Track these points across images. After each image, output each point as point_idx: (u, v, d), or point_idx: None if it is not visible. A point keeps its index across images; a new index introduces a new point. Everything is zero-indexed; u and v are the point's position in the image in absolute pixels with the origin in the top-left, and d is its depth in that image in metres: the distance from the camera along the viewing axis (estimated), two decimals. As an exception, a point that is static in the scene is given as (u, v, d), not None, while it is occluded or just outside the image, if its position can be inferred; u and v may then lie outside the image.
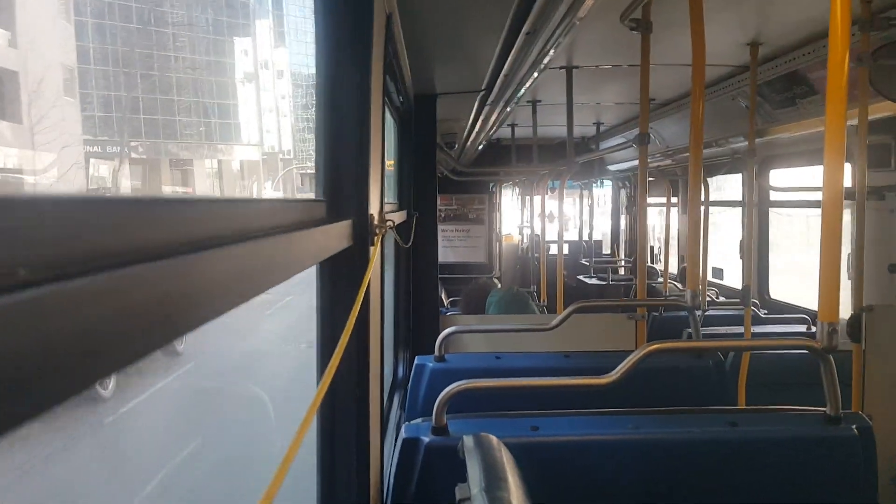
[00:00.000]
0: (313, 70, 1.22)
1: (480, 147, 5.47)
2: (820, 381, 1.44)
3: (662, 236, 5.72)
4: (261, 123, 46.76)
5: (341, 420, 1.18)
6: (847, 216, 2.44)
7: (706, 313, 3.64)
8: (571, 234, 7.65)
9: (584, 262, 6.64)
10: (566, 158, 3.56)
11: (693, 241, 2.00)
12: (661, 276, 5.18)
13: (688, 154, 2.03)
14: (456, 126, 4.46)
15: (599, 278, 6.49)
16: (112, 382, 8.32)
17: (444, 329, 2.26)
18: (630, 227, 7.30)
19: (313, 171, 1.21)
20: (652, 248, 7.31)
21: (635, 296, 3.67)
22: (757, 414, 1.59)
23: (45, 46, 25.45)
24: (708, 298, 4.00)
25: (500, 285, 5.48)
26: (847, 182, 2.28)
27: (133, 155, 36.82)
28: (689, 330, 2.34)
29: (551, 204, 5.51)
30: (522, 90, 2.78)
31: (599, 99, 3.96)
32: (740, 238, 4.13)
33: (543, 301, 4.76)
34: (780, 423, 1.49)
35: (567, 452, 1.42)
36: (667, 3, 2.00)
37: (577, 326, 2.62)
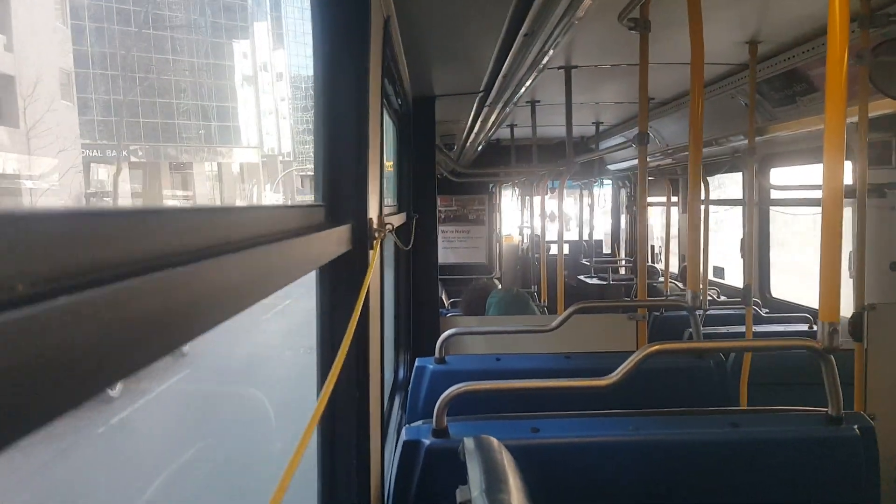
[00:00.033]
0: (312, 72, 1.21)
1: (480, 148, 5.47)
2: (822, 380, 1.44)
3: (663, 235, 5.71)
4: (260, 126, 46.80)
5: (342, 423, 1.18)
6: (848, 214, 2.44)
7: (708, 312, 3.64)
8: (572, 234, 7.65)
9: (584, 261, 6.64)
10: (566, 158, 3.56)
11: (693, 240, 1.99)
12: (662, 275, 5.18)
13: (688, 153, 2.02)
14: (455, 127, 4.46)
15: (600, 278, 6.49)
16: (119, 383, 8.36)
17: (444, 331, 2.26)
18: (630, 226, 7.30)
19: (312, 174, 1.21)
20: (653, 247, 7.31)
21: (636, 295, 3.66)
22: (758, 414, 1.59)
23: (41, 50, 25.42)
24: (709, 298, 4.00)
25: (500, 286, 5.48)
26: (848, 180, 2.28)
27: (133, 159, 36.81)
28: (691, 330, 2.34)
29: (551, 204, 5.51)
30: (521, 91, 2.77)
31: (598, 98, 3.96)
32: (741, 237, 4.13)
33: (544, 301, 4.75)
34: (782, 423, 1.49)
35: (568, 454, 1.42)
36: (665, 2, 2.00)
37: (578, 327, 2.62)
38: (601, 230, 8.24)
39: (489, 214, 7.65)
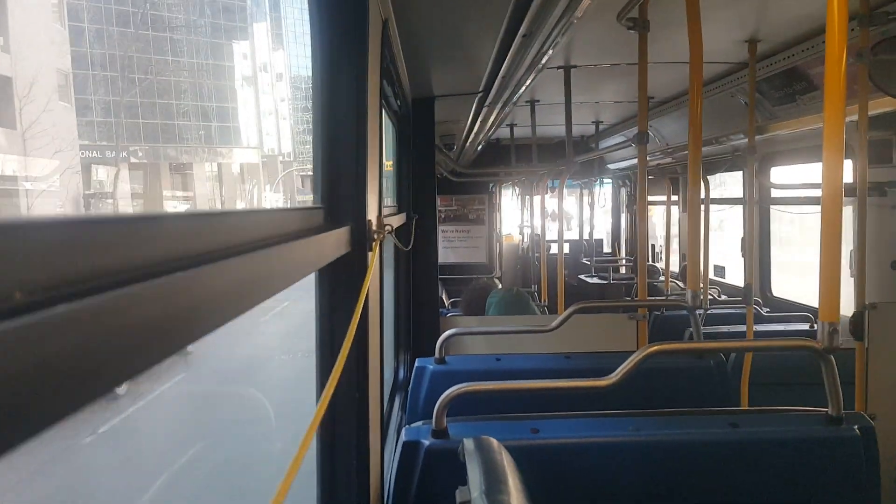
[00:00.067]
0: (311, 75, 1.21)
1: (479, 148, 5.47)
2: (823, 380, 1.44)
3: (663, 234, 5.71)
4: (260, 126, 46.80)
5: (341, 424, 1.18)
6: (849, 213, 2.44)
7: (709, 311, 3.64)
8: (572, 234, 7.65)
9: (585, 261, 6.63)
10: (565, 158, 3.56)
11: (693, 239, 1.99)
12: (663, 274, 5.17)
13: (687, 152, 2.02)
14: (454, 127, 4.45)
15: (601, 277, 6.48)
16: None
17: (444, 331, 2.26)
18: (631, 225, 7.30)
19: (312, 175, 1.21)
20: (653, 246, 7.30)
21: (636, 295, 3.66)
22: (758, 415, 1.58)
23: (39, 51, 25.33)
24: (710, 297, 4.00)
25: (500, 285, 5.48)
26: (848, 178, 2.28)
27: (132, 160, 36.77)
28: (691, 329, 2.34)
29: (552, 203, 5.51)
30: (521, 91, 2.77)
31: (598, 98, 3.96)
32: (741, 236, 4.13)
33: (544, 301, 4.75)
34: (782, 423, 1.49)
35: (568, 455, 1.42)
36: (664, 1, 2.00)
37: (578, 327, 2.62)
38: (602, 229, 8.24)
39: (489, 214, 7.65)
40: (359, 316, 1.04)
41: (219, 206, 39.77)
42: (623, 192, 7.61)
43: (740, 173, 4.49)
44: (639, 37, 2.12)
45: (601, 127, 5.06)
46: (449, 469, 1.24)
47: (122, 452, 7.83)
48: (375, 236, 1.25)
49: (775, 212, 4.35)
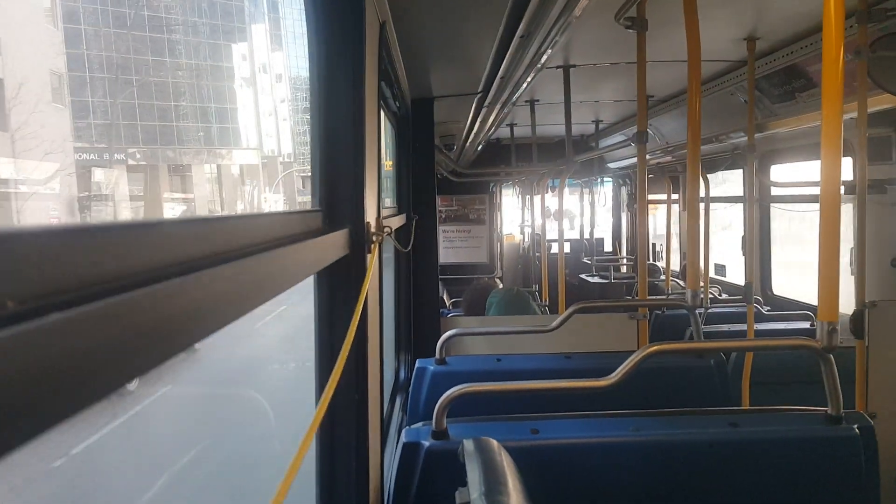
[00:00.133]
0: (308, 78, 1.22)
1: (479, 148, 5.47)
2: (823, 378, 1.43)
3: (664, 233, 5.71)
4: (259, 127, 46.80)
5: (341, 425, 1.18)
6: (849, 211, 2.44)
7: (710, 310, 3.64)
8: (573, 233, 7.64)
9: (585, 260, 6.63)
10: (565, 157, 3.56)
11: (692, 238, 1.98)
12: (664, 273, 5.17)
13: (687, 150, 2.02)
14: (454, 128, 4.45)
15: (601, 276, 6.48)
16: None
17: (445, 331, 2.26)
18: (631, 224, 7.29)
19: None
20: (654, 245, 7.30)
21: (637, 294, 3.66)
22: (758, 414, 1.58)
23: (32, 52, 25.17)
24: (711, 296, 4.00)
25: (501, 285, 5.48)
26: (848, 176, 2.28)
27: (130, 161, 36.70)
28: (692, 329, 2.34)
29: (553, 203, 5.51)
30: (520, 91, 2.77)
31: (597, 97, 3.96)
32: (742, 234, 4.12)
33: (545, 300, 4.75)
34: (781, 423, 1.49)
35: (568, 455, 1.42)
36: (662, 0, 2.00)
37: (579, 326, 2.62)
38: (603, 228, 8.24)
39: (490, 214, 7.66)
40: (358, 318, 1.04)
41: (218, 208, 39.81)
42: (623, 191, 7.61)
43: (741, 172, 4.49)
44: (637, 36, 2.12)
45: (601, 126, 5.06)
46: (449, 470, 1.24)
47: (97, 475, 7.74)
48: (374, 238, 1.26)
49: (784, 210, 4.35)
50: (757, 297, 3.73)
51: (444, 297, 6.13)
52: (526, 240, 7.76)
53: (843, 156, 1.47)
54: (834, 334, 1.32)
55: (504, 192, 8.33)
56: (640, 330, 2.89)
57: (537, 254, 6.15)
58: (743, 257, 3.93)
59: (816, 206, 1.34)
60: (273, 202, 41.44)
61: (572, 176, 4.48)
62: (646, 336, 2.87)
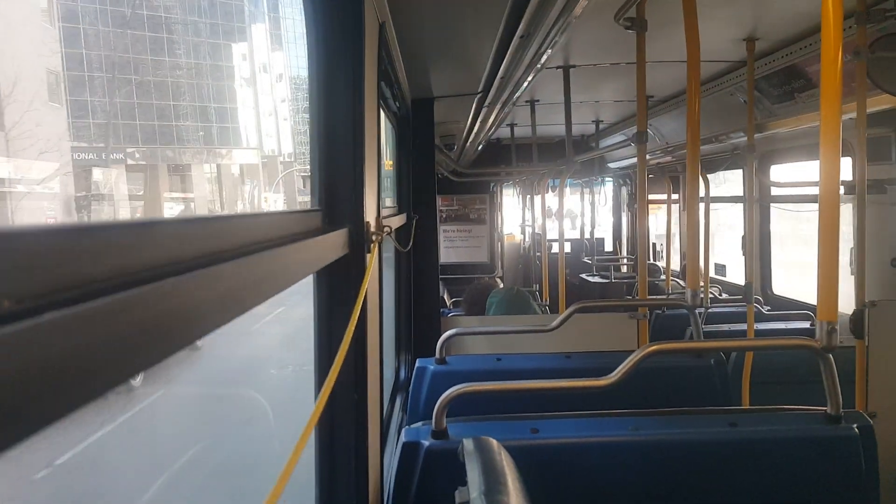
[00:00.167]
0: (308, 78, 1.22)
1: (480, 147, 5.47)
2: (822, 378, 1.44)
3: (665, 233, 5.71)
4: (260, 127, 46.78)
5: (340, 425, 1.18)
6: (849, 211, 2.44)
7: (710, 310, 3.64)
8: (574, 233, 7.65)
9: (586, 260, 6.63)
10: (566, 157, 3.56)
11: (692, 239, 1.98)
12: (664, 273, 5.17)
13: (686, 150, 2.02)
14: (454, 128, 4.46)
15: (602, 276, 6.48)
16: (140, 374, 8.57)
17: (445, 331, 2.26)
18: (631, 224, 7.29)
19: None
20: (654, 245, 7.30)
21: (637, 294, 3.66)
22: (757, 414, 1.58)
23: (24, 50, 25.05)
24: (711, 296, 4.00)
25: (502, 285, 5.48)
26: (847, 176, 2.28)
27: (129, 161, 36.64)
28: (692, 328, 2.34)
29: (553, 202, 5.51)
30: (520, 91, 2.78)
31: (597, 97, 3.96)
32: (742, 234, 4.12)
33: (545, 300, 4.75)
34: (780, 422, 1.49)
35: (567, 455, 1.42)
36: (661, 1, 2.00)
37: (579, 326, 2.62)
38: (603, 228, 8.24)
39: (490, 213, 7.66)
40: (356, 317, 1.04)
41: (218, 208, 39.79)
42: (624, 191, 7.61)
43: (742, 171, 4.49)
44: (637, 36, 2.12)
45: (601, 126, 5.06)
46: (449, 470, 1.24)
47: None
48: (374, 238, 1.26)
49: (788, 210, 4.35)
50: (757, 297, 3.73)
51: (445, 296, 6.13)
52: (526, 239, 7.76)
53: (843, 156, 1.47)
54: (833, 334, 1.32)
55: (504, 191, 8.34)
56: (641, 330, 2.89)
57: (538, 253, 6.15)
58: (743, 257, 3.93)
59: (816, 206, 1.35)
60: (273, 202, 41.42)
61: (572, 176, 4.48)
62: (646, 336, 2.88)
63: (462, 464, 1.07)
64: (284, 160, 48.34)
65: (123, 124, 36.63)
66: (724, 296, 4.54)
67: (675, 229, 5.62)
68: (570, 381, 1.56)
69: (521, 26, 1.88)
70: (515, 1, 1.73)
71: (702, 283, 2.73)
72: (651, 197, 5.77)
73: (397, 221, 2.39)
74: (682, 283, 5.20)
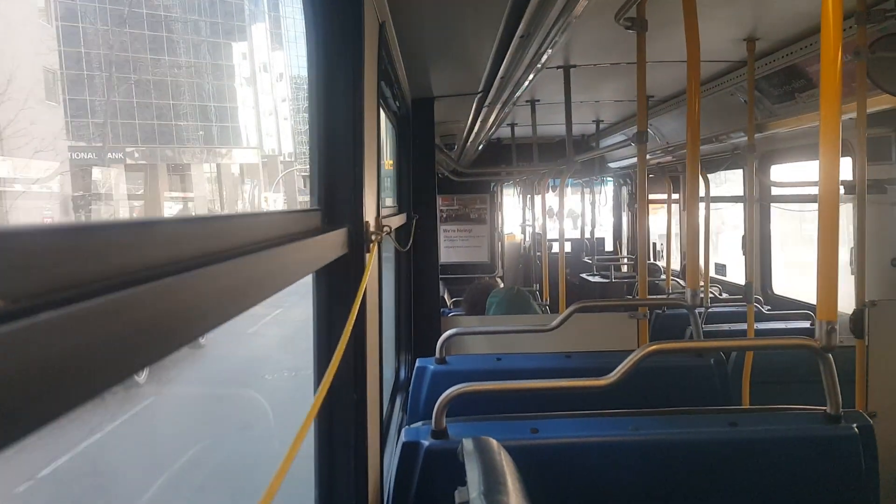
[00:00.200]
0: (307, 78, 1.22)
1: (480, 147, 5.47)
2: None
3: (665, 233, 5.71)
4: (260, 126, 46.76)
5: (339, 425, 1.18)
6: (849, 210, 2.44)
7: (710, 310, 3.64)
8: (575, 233, 7.65)
9: (586, 259, 6.64)
10: (566, 157, 3.56)
11: (692, 239, 1.98)
12: (665, 273, 5.18)
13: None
14: (455, 127, 4.46)
15: (602, 276, 6.48)
16: (145, 371, 8.65)
17: (445, 331, 2.26)
18: (632, 224, 7.29)
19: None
20: (654, 244, 7.30)
21: (638, 294, 3.66)
22: (756, 414, 1.58)
23: (20, 48, 24.91)
24: (711, 295, 4.00)
25: (502, 285, 5.48)
26: (848, 176, 2.28)
27: (129, 161, 36.55)
28: (692, 328, 2.34)
29: (554, 202, 5.52)
30: (520, 91, 2.78)
31: (598, 97, 3.96)
32: (742, 234, 4.12)
33: (546, 300, 4.75)
34: (780, 422, 1.49)
35: (567, 454, 1.42)
36: (661, 1, 2.00)
37: (579, 326, 2.62)
38: (604, 228, 8.24)
39: (491, 213, 7.66)
40: (356, 316, 1.04)
41: (218, 208, 39.77)
42: (624, 190, 7.61)
43: (742, 171, 4.49)
44: (637, 36, 2.12)
45: (602, 126, 5.06)
46: (448, 470, 1.24)
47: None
48: (373, 237, 1.26)
49: (790, 210, 4.35)
50: (757, 297, 3.73)
51: (446, 296, 6.13)
52: (527, 239, 7.76)
53: (843, 156, 1.47)
54: (833, 333, 1.32)
55: (505, 191, 8.34)
56: (641, 329, 2.89)
57: (538, 253, 6.15)
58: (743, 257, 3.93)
59: (814, 205, 1.35)
60: (273, 201, 41.42)
61: (573, 176, 4.48)
62: (646, 335, 2.88)
63: (462, 464, 1.07)
64: (285, 160, 48.32)
65: (122, 123, 36.52)
66: (725, 295, 4.54)
67: (675, 229, 5.62)
68: (570, 380, 1.56)
69: (521, 26, 1.88)
70: (515, 1, 1.73)
71: (702, 283, 2.73)
72: (651, 197, 5.77)
73: (397, 221, 2.39)
74: (682, 282, 5.20)
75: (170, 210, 36.54)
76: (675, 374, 2.05)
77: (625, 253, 7.53)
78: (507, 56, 2.25)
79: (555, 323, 2.27)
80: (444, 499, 1.12)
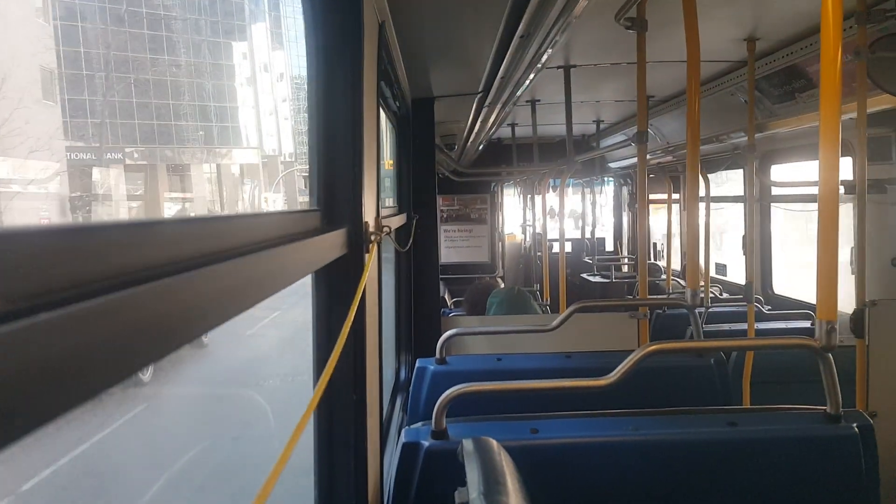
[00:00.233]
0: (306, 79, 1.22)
1: (480, 147, 5.48)
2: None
3: (665, 233, 5.71)
4: (260, 126, 46.74)
5: (339, 426, 1.18)
6: (850, 210, 2.44)
7: (711, 310, 3.64)
8: (575, 232, 7.65)
9: (587, 259, 6.64)
10: (566, 157, 3.56)
11: (692, 238, 1.98)
12: (665, 272, 5.17)
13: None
14: (455, 127, 4.46)
15: (603, 276, 6.48)
16: (150, 369, 8.83)
17: (445, 331, 2.26)
18: (632, 224, 7.29)
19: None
20: (655, 244, 7.30)
21: (638, 293, 3.66)
22: (756, 414, 1.58)
23: (16, 47, 24.81)
24: (711, 295, 4.00)
25: (503, 285, 5.48)
26: (848, 175, 2.28)
27: (128, 161, 36.49)
28: (692, 328, 2.34)
29: (554, 202, 5.51)
30: (520, 91, 2.78)
31: (598, 97, 3.96)
32: (742, 234, 4.12)
33: (546, 300, 4.75)
34: (780, 422, 1.49)
35: (567, 455, 1.42)
36: (662, 1, 2.00)
37: (580, 326, 2.62)
38: (606, 228, 8.24)
39: (491, 213, 7.67)
40: (354, 315, 1.04)
41: (218, 209, 39.76)
42: (625, 190, 7.61)
43: (742, 171, 4.48)
44: (637, 36, 2.12)
45: (602, 126, 5.06)
46: (448, 470, 1.24)
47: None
48: (372, 238, 1.26)
49: (793, 210, 4.35)
50: (758, 297, 3.73)
51: (446, 296, 6.14)
52: (527, 239, 7.76)
53: (844, 156, 1.47)
54: (833, 333, 1.32)
55: (505, 191, 8.34)
56: (641, 329, 2.89)
57: (538, 253, 6.15)
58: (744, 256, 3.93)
59: (814, 205, 1.34)
60: (273, 202, 41.41)
61: (573, 175, 4.48)
62: (646, 335, 2.87)
63: (462, 464, 1.07)
64: (285, 160, 48.30)
65: (122, 123, 36.41)
66: (725, 295, 4.54)
67: (675, 229, 5.62)
68: (570, 381, 1.56)
69: (521, 26, 1.88)
70: (515, 1, 1.73)
71: (702, 283, 2.74)
72: (652, 196, 5.78)
73: (397, 221, 2.39)
74: (682, 282, 5.19)
75: (169, 211, 36.49)
76: (676, 374, 2.05)
77: (625, 253, 7.53)
78: (507, 56, 2.25)
79: (555, 323, 2.27)
80: (444, 499, 1.12)
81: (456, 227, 7.62)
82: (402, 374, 3.08)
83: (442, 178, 5.66)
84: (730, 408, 1.79)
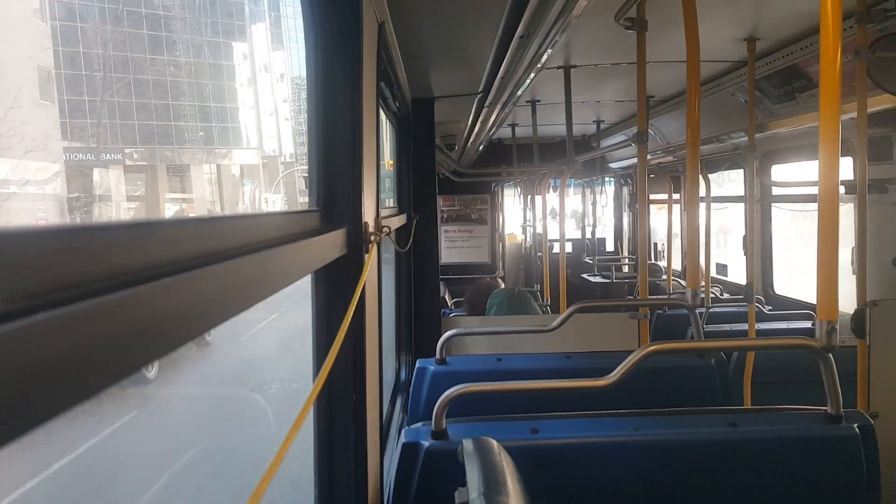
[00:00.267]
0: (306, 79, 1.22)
1: (481, 148, 5.48)
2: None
3: (665, 233, 5.71)
4: (260, 127, 46.74)
5: (339, 426, 1.18)
6: (850, 210, 2.44)
7: (711, 310, 3.64)
8: (576, 233, 7.65)
9: (587, 260, 6.63)
10: (567, 157, 3.56)
11: (692, 239, 1.98)
12: (665, 273, 5.17)
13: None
14: (455, 128, 4.46)
15: (603, 276, 6.48)
16: (156, 367, 9.02)
17: (446, 331, 2.26)
18: (632, 224, 7.29)
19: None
20: (656, 244, 7.30)
21: (638, 294, 3.66)
22: (757, 414, 1.58)
23: (13, 47, 24.75)
24: (712, 296, 4.00)
25: (503, 285, 5.48)
26: (848, 175, 2.28)
27: (128, 162, 36.44)
28: (692, 328, 2.34)
29: (555, 202, 5.51)
30: (520, 91, 2.78)
31: (598, 97, 3.96)
32: (743, 234, 4.12)
33: (547, 300, 4.75)
34: (781, 422, 1.49)
35: (567, 455, 1.42)
36: (661, 1, 2.00)
37: (580, 326, 2.62)
38: (605, 228, 8.24)
39: (492, 213, 7.67)
40: (353, 315, 1.04)
41: (218, 209, 39.75)
42: (625, 190, 7.61)
43: (743, 171, 4.48)
44: (637, 36, 2.12)
45: (602, 126, 5.06)
46: (448, 470, 1.24)
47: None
48: (372, 238, 1.26)
49: (795, 210, 4.35)
50: (759, 297, 3.73)
51: (447, 296, 6.14)
52: (528, 240, 7.76)
53: (844, 156, 1.47)
54: (833, 333, 1.32)
55: (506, 191, 8.34)
56: (641, 329, 2.89)
57: (539, 253, 6.15)
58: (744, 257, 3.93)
59: (815, 205, 1.34)
60: (272, 203, 41.40)
61: (574, 176, 4.47)
62: (647, 336, 2.87)
63: (462, 464, 1.07)
64: (285, 160, 48.30)
65: (121, 124, 36.38)
66: (726, 295, 4.53)
67: (676, 229, 5.62)
68: (570, 381, 1.56)
69: (520, 26, 1.88)
70: (515, 1, 1.73)
71: (702, 283, 2.74)
72: (652, 197, 5.78)
73: (397, 222, 2.39)
74: (683, 282, 5.19)
75: (169, 212, 36.44)
76: (676, 374, 2.05)
77: (626, 253, 7.53)
78: (507, 56, 2.25)
79: (555, 323, 2.27)
80: (444, 499, 1.12)
81: (456, 228, 7.62)
82: (403, 375, 3.08)
83: (442, 178, 5.66)
84: (730, 408, 1.79)
